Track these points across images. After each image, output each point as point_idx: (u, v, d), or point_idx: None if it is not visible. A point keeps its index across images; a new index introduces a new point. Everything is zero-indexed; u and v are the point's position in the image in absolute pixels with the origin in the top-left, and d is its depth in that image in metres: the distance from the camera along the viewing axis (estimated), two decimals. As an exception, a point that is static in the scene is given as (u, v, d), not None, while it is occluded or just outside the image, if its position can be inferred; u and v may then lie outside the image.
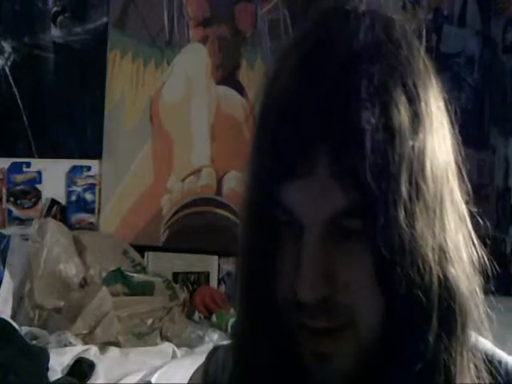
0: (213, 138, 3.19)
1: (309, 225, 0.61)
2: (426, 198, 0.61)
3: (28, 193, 3.06)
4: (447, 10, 3.59)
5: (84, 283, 2.74)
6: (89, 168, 3.12)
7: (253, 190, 0.64)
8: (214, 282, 3.18)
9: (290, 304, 0.63)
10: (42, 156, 3.06)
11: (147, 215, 3.16)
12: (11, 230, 2.98)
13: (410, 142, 0.60)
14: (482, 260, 0.66)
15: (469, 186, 0.67)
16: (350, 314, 0.62)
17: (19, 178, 3.05)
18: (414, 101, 0.61)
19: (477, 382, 0.65)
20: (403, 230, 0.59)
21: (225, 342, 0.82)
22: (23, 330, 2.45)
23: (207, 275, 3.18)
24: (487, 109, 3.70)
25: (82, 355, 2.31)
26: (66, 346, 2.38)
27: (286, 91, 0.62)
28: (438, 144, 0.63)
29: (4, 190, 3.03)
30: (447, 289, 0.62)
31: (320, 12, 0.67)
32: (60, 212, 3.08)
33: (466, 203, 0.66)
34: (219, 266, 3.17)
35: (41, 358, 2.20)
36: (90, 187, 3.13)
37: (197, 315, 2.87)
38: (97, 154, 3.12)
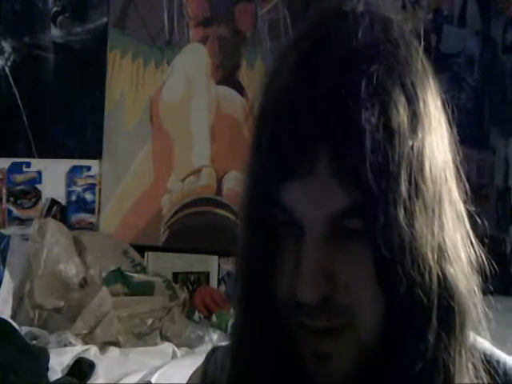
0: (213, 138, 3.19)
1: (309, 225, 0.61)
2: (425, 198, 0.61)
3: (28, 193, 3.06)
4: (447, 10, 3.60)
5: (84, 283, 2.74)
6: (89, 168, 3.12)
7: (252, 189, 0.64)
8: (214, 282, 3.18)
9: (289, 304, 0.63)
10: (42, 156, 3.06)
11: (147, 215, 3.16)
12: (11, 230, 2.98)
13: (410, 142, 0.60)
14: (480, 259, 0.66)
15: (467, 186, 0.67)
16: (350, 314, 0.62)
17: (19, 177, 3.05)
18: (412, 101, 0.61)
19: (475, 381, 0.65)
20: (403, 229, 0.59)
21: (224, 343, 0.82)
22: (23, 329, 2.45)
23: (207, 275, 3.18)
24: (487, 109, 3.70)
25: (82, 355, 2.31)
26: (66, 346, 2.38)
27: (285, 91, 0.62)
28: (437, 143, 0.63)
29: (4, 190, 3.03)
30: (446, 288, 0.62)
31: (319, 12, 0.67)
32: (60, 212, 3.08)
33: (464, 202, 0.66)
34: (219, 266, 3.18)
35: (41, 358, 2.20)
36: (90, 187, 3.13)
37: (197, 315, 2.87)
38: (97, 154, 3.12)
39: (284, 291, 0.63)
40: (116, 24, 3.15)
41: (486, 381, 0.66)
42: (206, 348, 2.31)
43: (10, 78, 3.00)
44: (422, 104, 0.62)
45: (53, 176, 3.08)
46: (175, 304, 2.80)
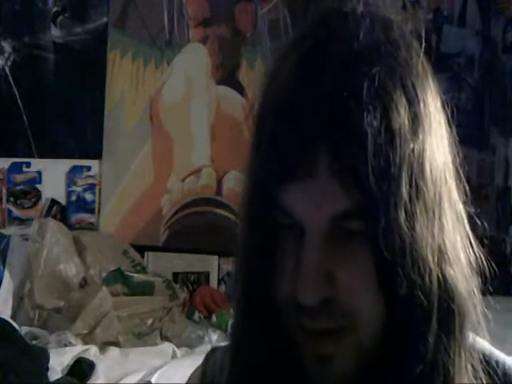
0: (213, 138, 3.19)
1: (309, 226, 0.61)
2: (425, 200, 0.61)
3: (28, 193, 3.06)
4: (447, 10, 3.60)
5: (84, 283, 2.74)
6: (89, 168, 3.12)
7: (252, 190, 0.64)
8: (214, 282, 3.19)
9: (289, 305, 0.62)
10: (42, 156, 3.05)
11: (147, 215, 3.16)
12: (11, 230, 2.98)
13: (411, 144, 0.60)
14: (479, 260, 0.66)
15: (466, 187, 0.67)
16: (350, 316, 0.62)
17: (19, 177, 3.05)
18: (413, 102, 0.61)
19: (474, 382, 0.65)
20: (404, 231, 0.59)
21: (223, 343, 0.82)
22: (23, 329, 2.45)
23: (207, 275, 3.18)
24: (487, 109, 3.71)
25: (82, 355, 2.31)
26: (66, 346, 2.38)
27: (285, 91, 0.62)
28: (437, 145, 0.63)
29: (4, 190, 3.03)
30: (446, 290, 0.62)
31: (319, 13, 0.67)
32: (60, 212, 3.08)
33: (464, 203, 0.66)
34: (219, 266, 3.18)
35: (41, 358, 2.20)
36: (90, 187, 3.13)
37: (197, 315, 2.87)
38: (97, 154, 3.12)
39: (284, 292, 0.63)
40: (116, 24, 3.15)
41: (485, 381, 0.66)
42: (206, 348, 2.31)
43: (10, 78, 3.00)
44: (422, 105, 0.62)
45: (53, 176, 3.08)
46: (175, 304, 2.80)
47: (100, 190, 3.14)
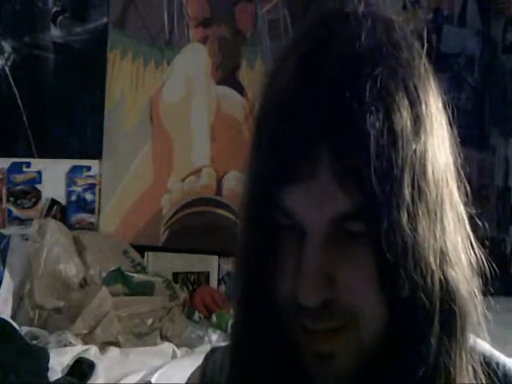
0: (213, 138, 3.19)
1: (310, 227, 0.61)
2: (427, 201, 0.61)
3: (28, 193, 3.06)
4: (447, 10, 3.60)
5: (84, 283, 2.74)
6: (89, 168, 3.12)
7: (252, 191, 0.64)
8: (214, 282, 3.18)
9: (290, 306, 0.62)
10: (42, 156, 3.05)
11: (147, 215, 3.16)
12: (11, 230, 2.98)
13: (413, 145, 0.60)
14: (480, 262, 0.66)
15: (467, 188, 0.67)
16: (351, 316, 0.62)
17: (19, 177, 3.05)
18: (415, 103, 0.61)
19: (475, 383, 0.65)
20: (406, 233, 0.59)
21: (223, 343, 0.82)
22: (23, 329, 2.44)
23: (207, 275, 3.18)
24: (487, 109, 3.71)
25: (82, 355, 2.31)
26: (66, 346, 2.38)
27: (286, 91, 0.62)
28: (438, 146, 0.63)
29: (4, 190, 3.03)
30: (448, 291, 0.62)
31: (320, 13, 0.67)
32: (60, 212, 3.08)
33: (465, 205, 0.66)
34: (219, 266, 3.18)
35: (41, 358, 2.20)
36: (90, 187, 3.13)
37: (197, 315, 2.87)
38: (97, 154, 3.12)
39: (285, 293, 0.63)
40: (116, 24, 3.15)
41: (485, 383, 0.66)
42: (206, 348, 2.31)
43: (10, 77, 3.00)
44: (424, 107, 0.62)
45: (53, 176, 3.08)
46: (175, 304, 2.80)
47: (100, 189, 3.14)
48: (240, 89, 3.19)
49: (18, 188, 3.05)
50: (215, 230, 3.08)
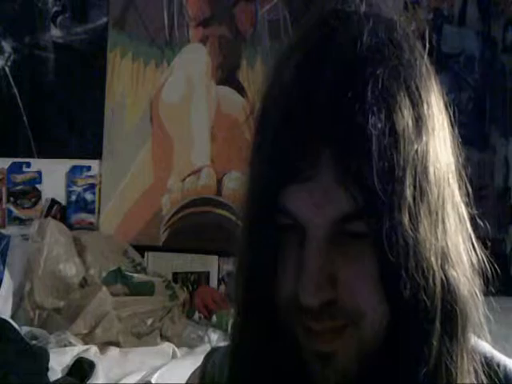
0: (213, 138, 3.19)
1: (312, 228, 0.61)
2: (429, 201, 0.61)
3: (28, 193, 3.06)
4: (447, 10, 3.59)
5: (84, 283, 2.74)
6: (89, 168, 3.12)
7: (254, 191, 0.64)
8: (214, 282, 3.18)
9: (291, 306, 0.62)
10: (41, 156, 3.06)
11: (147, 215, 3.15)
12: (11, 230, 2.98)
13: (415, 146, 0.60)
14: (481, 262, 0.66)
15: (469, 188, 0.67)
16: (353, 317, 0.62)
17: (19, 177, 3.05)
18: (417, 104, 0.61)
19: (476, 384, 0.65)
20: (408, 233, 0.59)
21: (223, 343, 0.82)
22: (23, 330, 2.45)
23: (207, 275, 3.17)
24: (487, 109, 3.70)
25: (82, 355, 2.31)
26: (65, 346, 2.38)
27: (287, 91, 0.62)
28: (440, 146, 0.63)
29: (4, 190, 3.03)
30: (449, 292, 0.62)
31: (321, 13, 0.66)
32: (60, 212, 3.08)
33: (466, 205, 0.66)
34: (219, 266, 3.17)
35: (41, 358, 2.20)
36: (90, 187, 3.13)
37: (197, 315, 2.87)
38: (97, 154, 3.12)
39: (286, 293, 0.63)
40: (116, 24, 3.15)
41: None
42: (206, 348, 2.31)
43: (10, 77, 3.00)
44: (426, 107, 0.62)
45: (53, 176, 3.08)
46: (175, 304, 2.80)
47: (100, 189, 3.14)
48: (240, 89, 3.19)
49: (18, 188, 3.05)
50: (215, 230, 3.07)
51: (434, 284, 0.61)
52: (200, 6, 3.20)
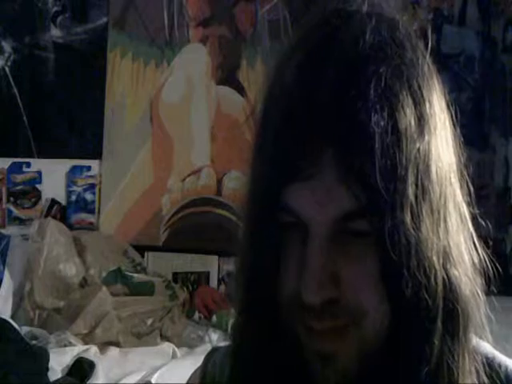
0: (213, 138, 3.18)
1: (314, 227, 0.61)
2: (431, 200, 0.61)
3: (28, 193, 3.06)
4: (447, 10, 3.59)
5: (84, 283, 2.74)
6: (89, 168, 3.12)
7: (256, 190, 0.64)
8: (214, 282, 3.18)
9: (293, 305, 0.62)
10: (41, 156, 3.06)
11: (147, 215, 3.15)
12: (11, 230, 2.98)
13: (417, 145, 0.60)
14: (483, 262, 0.66)
15: (471, 188, 0.67)
16: (355, 315, 0.62)
17: (19, 178, 3.05)
18: (419, 103, 0.61)
19: (477, 384, 0.65)
20: (410, 232, 0.59)
21: (223, 343, 0.82)
22: (23, 329, 2.45)
23: (207, 275, 3.17)
24: (487, 109, 3.70)
25: (82, 355, 2.31)
26: (65, 346, 2.38)
27: (289, 90, 0.62)
28: (442, 145, 0.63)
29: (4, 190, 3.03)
30: (451, 291, 0.62)
31: (323, 12, 0.66)
32: (60, 212, 3.08)
33: (468, 204, 0.66)
34: (219, 266, 3.17)
35: (41, 358, 2.20)
36: (90, 187, 3.13)
37: (197, 315, 2.87)
38: (97, 154, 3.12)
39: (288, 292, 0.63)
40: (116, 24, 3.15)
41: (487, 384, 0.66)
42: (206, 348, 2.31)
43: (10, 77, 3.00)
44: (428, 106, 0.62)
45: (53, 176, 3.08)
46: (175, 304, 2.80)
47: (100, 189, 3.14)
48: (240, 89, 3.19)
49: (18, 188, 3.05)
50: (215, 230, 3.07)
51: (436, 283, 0.61)
52: (200, 6, 3.20)
